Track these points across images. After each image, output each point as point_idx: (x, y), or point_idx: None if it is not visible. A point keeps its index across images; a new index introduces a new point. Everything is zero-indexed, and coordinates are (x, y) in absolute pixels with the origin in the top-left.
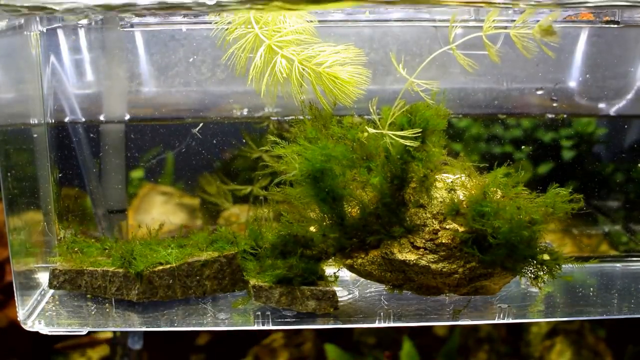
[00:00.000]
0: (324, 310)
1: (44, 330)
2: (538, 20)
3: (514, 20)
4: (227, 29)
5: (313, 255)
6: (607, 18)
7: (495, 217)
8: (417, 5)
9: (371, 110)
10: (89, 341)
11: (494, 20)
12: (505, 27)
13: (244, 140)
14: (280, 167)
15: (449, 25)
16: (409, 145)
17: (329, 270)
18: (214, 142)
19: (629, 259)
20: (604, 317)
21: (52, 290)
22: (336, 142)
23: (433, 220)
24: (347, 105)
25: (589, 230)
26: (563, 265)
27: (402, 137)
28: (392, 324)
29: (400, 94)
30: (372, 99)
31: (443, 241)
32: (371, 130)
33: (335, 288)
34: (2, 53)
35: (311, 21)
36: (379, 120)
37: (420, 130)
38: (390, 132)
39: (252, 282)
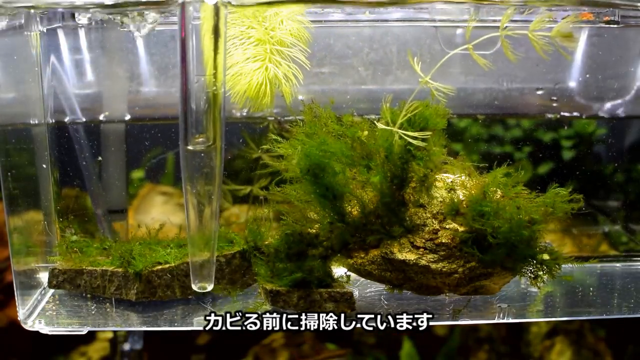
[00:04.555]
0: (342, 312)
1: (44, 329)
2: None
3: (516, 21)
4: None
5: (320, 254)
6: (607, 18)
7: (495, 217)
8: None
9: (384, 107)
10: None
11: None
12: (505, 27)
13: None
14: (280, 166)
15: (452, 25)
16: (409, 145)
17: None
18: None
19: (629, 259)
20: (604, 317)
21: (52, 290)
22: (335, 139)
23: (433, 220)
24: None
25: (589, 230)
26: (563, 265)
27: (410, 136)
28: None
29: (414, 94)
30: (371, 99)
31: (443, 241)
32: (381, 125)
33: None
34: (2, 53)
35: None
36: (380, 120)
37: (418, 128)
38: (400, 131)
39: (269, 287)
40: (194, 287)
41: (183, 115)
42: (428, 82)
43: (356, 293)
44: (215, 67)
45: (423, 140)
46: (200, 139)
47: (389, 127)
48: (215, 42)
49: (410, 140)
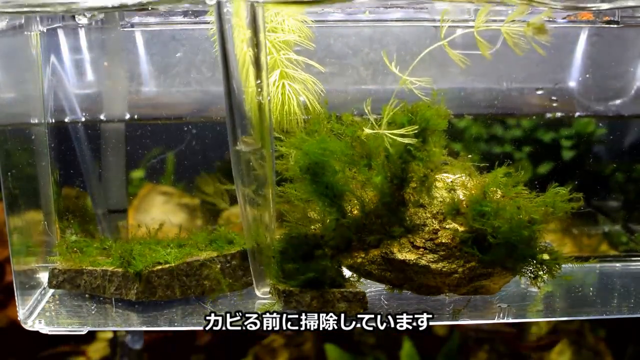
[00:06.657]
0: (354, 312)
1: (44, 329)
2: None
3: (516, 21)
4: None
5: (325, 254)
6: (607, 18)
7: (495, 217)
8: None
9: (366, 111)
10: None
11: (486, 19)
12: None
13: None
14: (280, 166)
15: (443, 23)
16: (409, 145)
17: None
18: (214, 142)
19: (629, 259)
20: (604, 317)
21: (52, 290)
22: (335, 138)
23: (433, 220)
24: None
25: (589, 230)
26: (563, 265)
27: (401, 136)
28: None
29: (394, 93)
30: (373, 99)
31: (443, 241)
32: (367, 130)
33: None
34: (2, 53)
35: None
36: (375, 120)
37: (420, 129)
38: (387, 132)
39: (282, 287)
40: (259, 294)
41: (230, 119)
42: (406, 80)
43: None
44: (259, 78)
45: (423, 141)
46: (249, 141)
47: (375, 130)
48: (257, 49)
49: (399, 139)
